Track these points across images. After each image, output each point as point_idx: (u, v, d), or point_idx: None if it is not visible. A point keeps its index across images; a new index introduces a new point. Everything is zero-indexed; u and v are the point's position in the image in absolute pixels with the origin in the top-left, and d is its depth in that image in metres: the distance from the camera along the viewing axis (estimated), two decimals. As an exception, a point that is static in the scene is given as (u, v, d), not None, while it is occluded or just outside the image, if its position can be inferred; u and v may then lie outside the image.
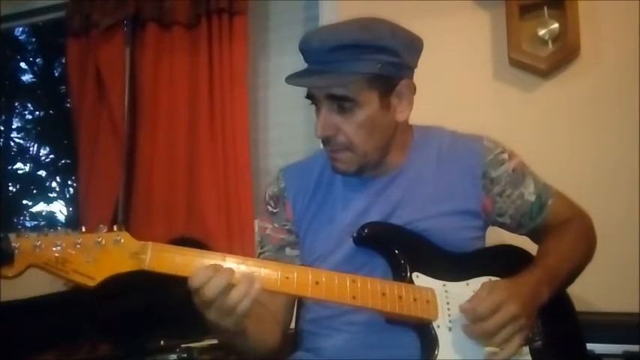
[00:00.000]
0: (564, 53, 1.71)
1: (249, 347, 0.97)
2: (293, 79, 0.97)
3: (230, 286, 0.80)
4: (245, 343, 0.95)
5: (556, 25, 1.70)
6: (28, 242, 0.77)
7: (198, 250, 0.84)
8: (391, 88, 0.99)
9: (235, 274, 0.82)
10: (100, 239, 0.80)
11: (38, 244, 0.77)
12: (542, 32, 1.71)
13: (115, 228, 0.83)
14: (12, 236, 0.77)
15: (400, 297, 0.91)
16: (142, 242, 0.82)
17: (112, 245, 0.80)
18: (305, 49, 0.97)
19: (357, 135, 0.98)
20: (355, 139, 0.98)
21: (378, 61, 0.94)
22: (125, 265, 0.80)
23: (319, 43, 0.94)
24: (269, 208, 1.12)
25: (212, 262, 0.83)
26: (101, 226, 0.82)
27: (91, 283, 0.78)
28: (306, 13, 2.18)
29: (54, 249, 0.77)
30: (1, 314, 1.55)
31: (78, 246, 0.79)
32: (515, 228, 1.11)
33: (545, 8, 1.71)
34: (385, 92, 0.99)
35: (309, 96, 1.01)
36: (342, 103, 0.96)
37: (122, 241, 0.81)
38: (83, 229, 0.81)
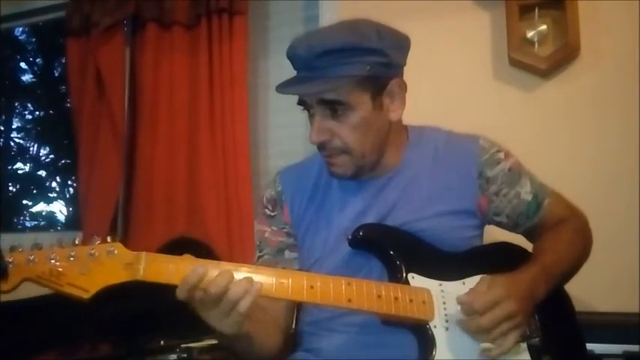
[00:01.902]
0: (564, 53, 1.71)
1: (252, 351, 0.98)
2: (283, 87, 0.97)
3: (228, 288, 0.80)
4: (249, 347, 0.96)
5: (544, 27, 1.71)
6: (21, 256, 0.77)
7: (192, 259, 0.84)
8: (382, 88, 0.99)
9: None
10: (93, 251, 0.80)
11: (32, 257, 0.77)
12: (530, 34, 1.72)
13: (108, 239, 0.83)
14: (5, 250, 0.77)
15: (396, 298, 0.91)
16: (136, 252, 0.82)
17: (105, 256, 0.80)
18: (292, 57, 0.97)
19: (352, 138, 0.98)
20: (351, 142, 0.98)
21: (366, 63, 0.94)
22: (119, 276, 0.80)
23: (305, 50, 0.94)
24: (267, 211, 1.12)
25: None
26: (95, 237, 0.82)
27: (85, 296, 0.79)
28: (306, 13, 2.18)
29: (48, 262, 0.78)
30: (1, 314, 1.54)
31: (71, 258, 0.79)
32: (511, 227, 1.11)
33: (536, 9, 1.72)
34: (377, 93, 0.98)
35: (300, 102, 1.01)
36: (335, 107, 0.96)
37: (115, 252, 0.81)
38: (77, 241, 0.81)
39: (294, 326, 1.16)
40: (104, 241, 0.82)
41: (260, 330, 0.96)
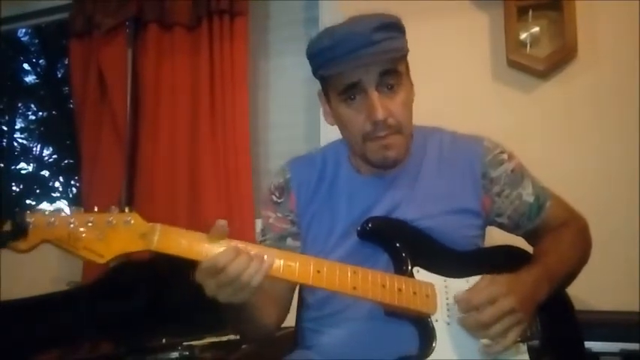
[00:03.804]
0: (562, 54, 1.71)
1: (255, 323, 1.00)
2: (341, 63, 0.96)
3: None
4: (252, 319, 0.98)
5: (537, 29, 1.73)
6: (42, 218, 0.78)
7: (204, 236, 0.86)
8: (408, 67, 1.04)
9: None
10: (111, 219, 0.82)
11: (52, 220, 0.79)
12: (523, 36, 1.74)
13: (126, 209, 0.85)
14: (27, 212, 0.79)
15: (400, 290, 0.92)
16: (151, 224, 0.84)
17: (122, 225, 0.82)
18: (342, 38, 0.96)
19: (404, 115, 1.00)
20: (403, 120, 1.00)
21: (405, 41, 1.01)
22: (134, 245, 0.82)
23: (361, 26, 0.96)
24: (273, 197, 1.13)
25: (218, 245, 0.84)
26: (113, 207, 0.84)
27: (101, 260, 0.81)
28: (307, 13, 2.19)
29: (67, 226, 0.79)
30: (2, 314, 1.56)
31: (90, 224, 0.80)
32: (513, 229, 1.12)
33: (530, 11, 1.73)
34: (408, 71, 1.04)
35: (349, 86, 0.99)
36: (392, 82, 0.99)
37: (132, 221, 0.83)
38: (95, 209, 0.83)
39: (294, 323, 1.17)
40: (122, 211, 0.84)
41: (261, 303, 0.98)
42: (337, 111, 1.03)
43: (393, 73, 0.99)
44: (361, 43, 0.95)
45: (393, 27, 0.99)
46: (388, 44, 0.97)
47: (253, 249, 0.86)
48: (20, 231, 0.76)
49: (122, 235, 0.82)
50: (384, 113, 0.97)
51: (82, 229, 0.80)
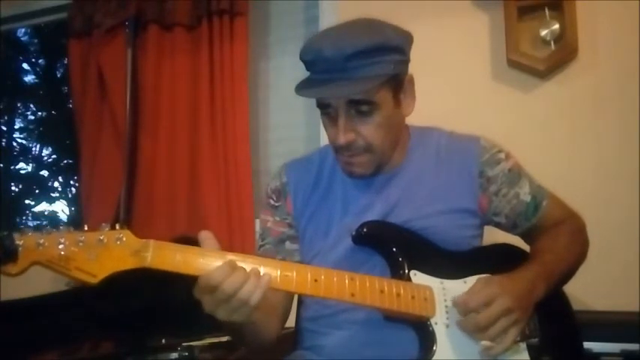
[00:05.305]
0: (562, 54, 1.72)
1: (256, 337, 0.99)
2: (308, 89, 0.96)
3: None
4: (253, 334, 0.97)
5: (557, 26, 1.71)
6: (31, 240, 0.77)
7: (199, 248, 0.85)
8: (400, 85, 1.01)
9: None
10: (102, 237, 0.81)
11: (41, 241, 0.77)
12: (544, 32, 1.72)
13: (117, 226, 0.83)
14: (16, 234, 0.77)
15: (398, 294, 0.92)
16: (144, 240, 0.83)
17: (114, 243, 0.81)
18: (315, 59, 0.95)
19: (376, 136, 0.98)
20: (375, 141, 0.99)
21: (391, 62, 0.96)
22: (127, 263, 0.81)
23: (334, 52, 0.92)
24: (271, 201, 1.13)
25: (214, 259, 0.83)
26: (103, 224, 0.83)
27: (93, 281, 0.79)
28: (307, 14, 2.19)
29: (57, 247, 0.78)
30: (2, 313, 1.55)
31: (80, 244, 0.79)
32: (510, 228, 1.12)
33: (546, 9, 1.73)
34: (396, 90, 1.00)
35: (322, 104, 0.99)
36: (361, 108, 0.96)
37: (124, 239, 0.82)
38: (86, 228, 0.82)
39: (294, 324, 1.17)
40: (113, 228, 0.83)
41: (262, 317, 0.97)
42: (321, 116, 1.03)
43: (364, 102, 0.96)
44: (330, 69, 0.93)
45: (375, 50, 0.93)
46: (364, 72, 0.93)
47: (250, 261, 0.85)
48: (10, 255, 0.74)
49: (114, 253, 0.80)
50: (346, 138, 0.97)
51: (73, 249, 0.78)
